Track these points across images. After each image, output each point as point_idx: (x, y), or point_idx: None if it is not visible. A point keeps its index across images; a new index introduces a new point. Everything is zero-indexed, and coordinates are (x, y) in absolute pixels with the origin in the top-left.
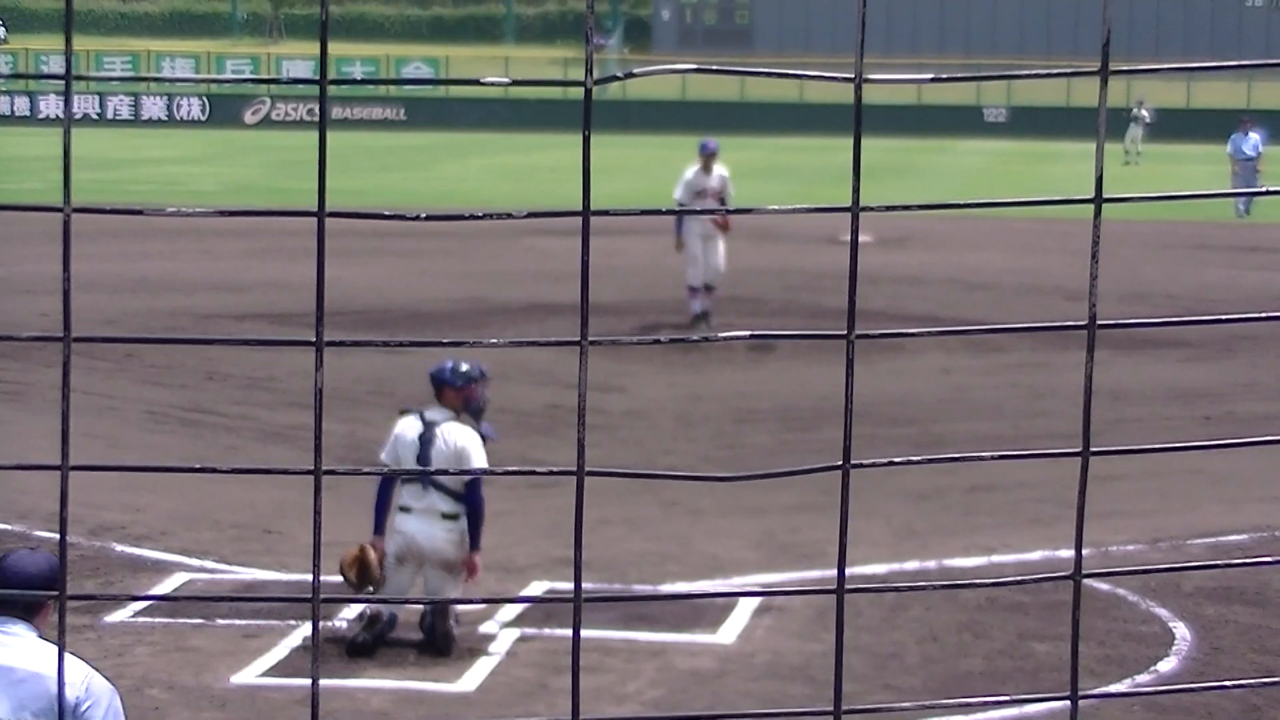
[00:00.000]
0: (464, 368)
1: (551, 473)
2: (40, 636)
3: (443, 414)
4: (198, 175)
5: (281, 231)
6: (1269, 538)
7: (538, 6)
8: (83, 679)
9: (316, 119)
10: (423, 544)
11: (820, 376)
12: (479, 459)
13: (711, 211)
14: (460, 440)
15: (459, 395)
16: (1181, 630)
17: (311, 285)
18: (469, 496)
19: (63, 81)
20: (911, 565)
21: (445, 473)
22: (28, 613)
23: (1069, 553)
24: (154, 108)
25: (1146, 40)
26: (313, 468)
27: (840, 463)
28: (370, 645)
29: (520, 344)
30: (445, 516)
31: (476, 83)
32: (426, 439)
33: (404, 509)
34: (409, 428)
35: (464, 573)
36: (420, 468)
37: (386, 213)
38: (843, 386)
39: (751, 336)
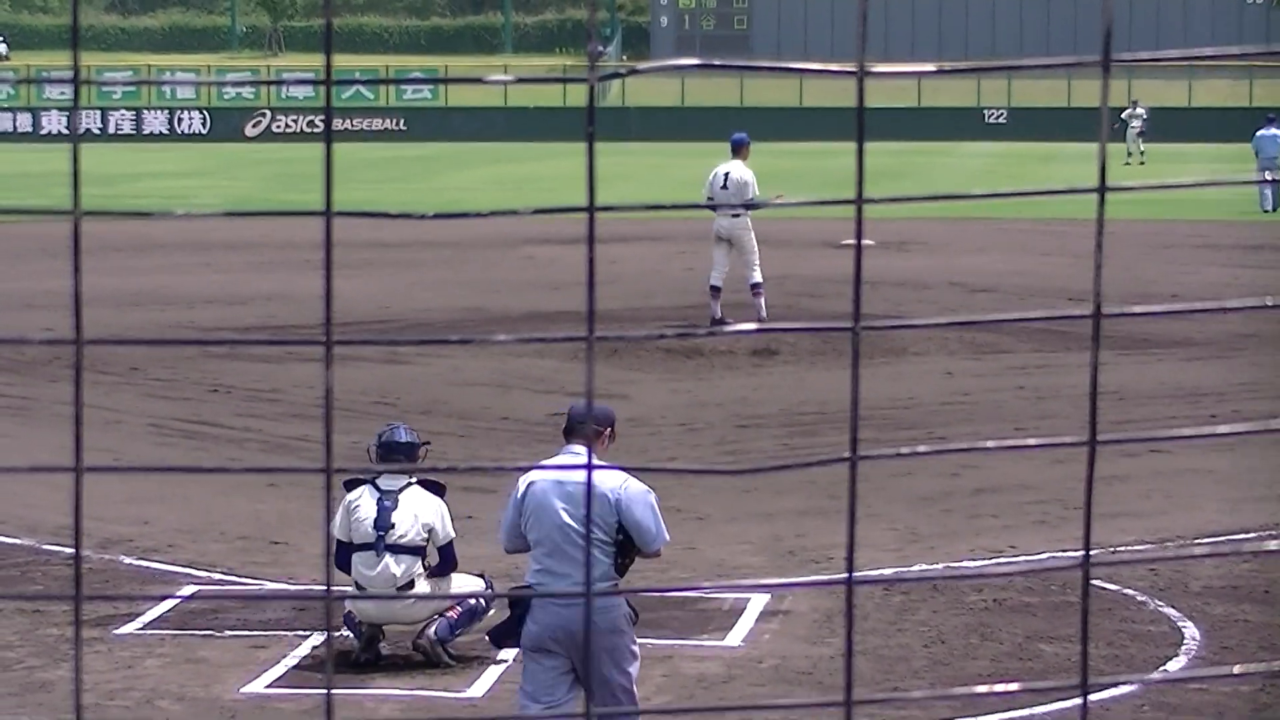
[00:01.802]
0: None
1: (561, 469)
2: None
3: (400, 480)
4: (198, 189)
5: (283, 244)
6: (1275, 535)
7: (535, 16)
8: (621, 483)
9: (316, 130)
10: (386, 619)
11: (823, 381)
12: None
13: (750, 205)
14: (432, 508)
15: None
16: (1190, 630)
17: (313, 297)
18: (446, 559)
19: (66, 99)
20: (917, 568)
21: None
22: (591, 438)
23: (1076, 554)
24: (155, 122)
25: (1146, 39)
26: (323, 467)
27: (848, 455)
28: (374, 661)
29: (528, 340)
30: (401, 589)
31: (480, 81)
32: (384, 507)
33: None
34: (365, 503)
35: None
36: (376, 537)
37: (394, 212)
38: (845, 391)
39: (759, 330)
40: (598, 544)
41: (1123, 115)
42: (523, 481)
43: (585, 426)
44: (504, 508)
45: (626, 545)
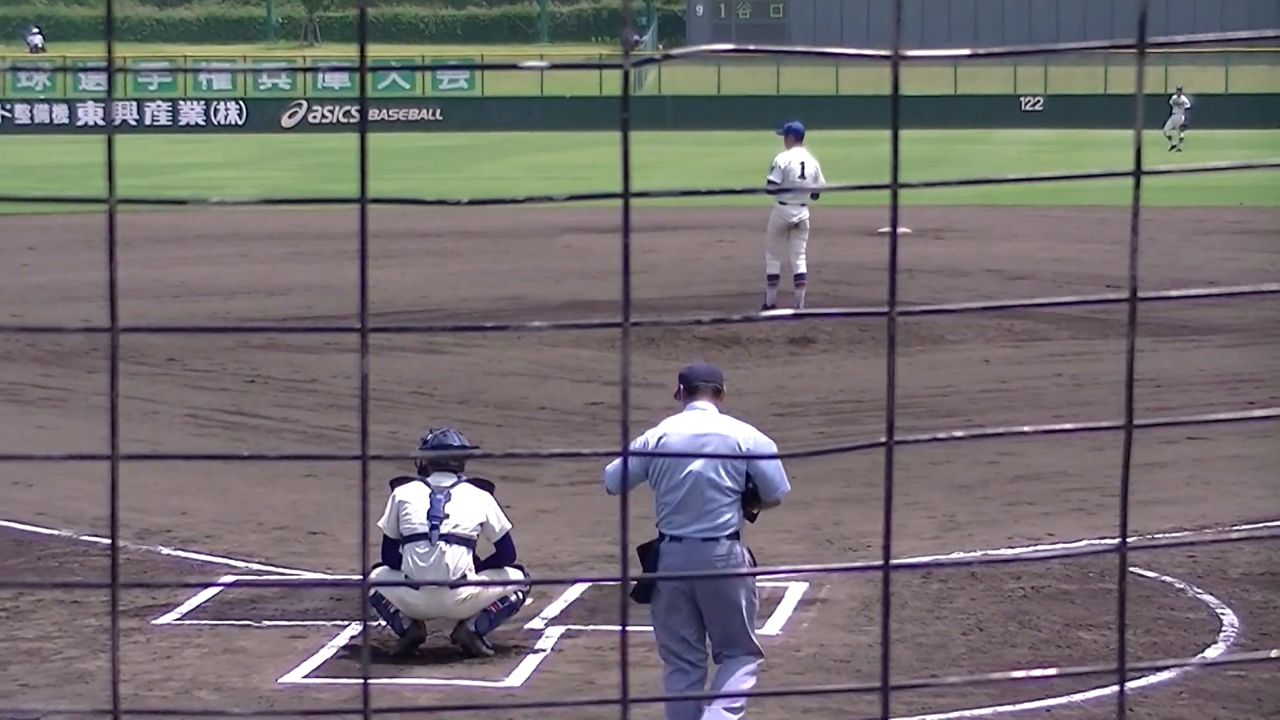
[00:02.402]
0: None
1: (597, 455)
2: (719, 410)
3: (450, 478)
4: (236, 180)
5: (320, 235)
6: None
7: (571, 5)
8: (750, 435)
9: (353, 121)
10: (437, 613)
11: (860, 370)
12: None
13: (766, 190)
14: (483, 502)
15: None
16: (1229, 616)
17: (351, 288)
18: (505, 551)
19: (101, 90)
20: (955, 556)
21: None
22: (714, 395)
23: (1115, 540)
24: (192, 113)
25: (1183, 25)
26: (359, 454)
27: (884, 440)
28: (409, 654)
29: (563, 327)
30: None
31: (515, 67)
32: (436, 500)
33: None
34: (416, 497)
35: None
36: (430, 526)
37: (429, 199)
38: (883, 379)
39: (795, 316)
40: (729, 493)
41: (1170, 102)
42: (652, 434)
43: (709, 385)
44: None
45: (751, 496)
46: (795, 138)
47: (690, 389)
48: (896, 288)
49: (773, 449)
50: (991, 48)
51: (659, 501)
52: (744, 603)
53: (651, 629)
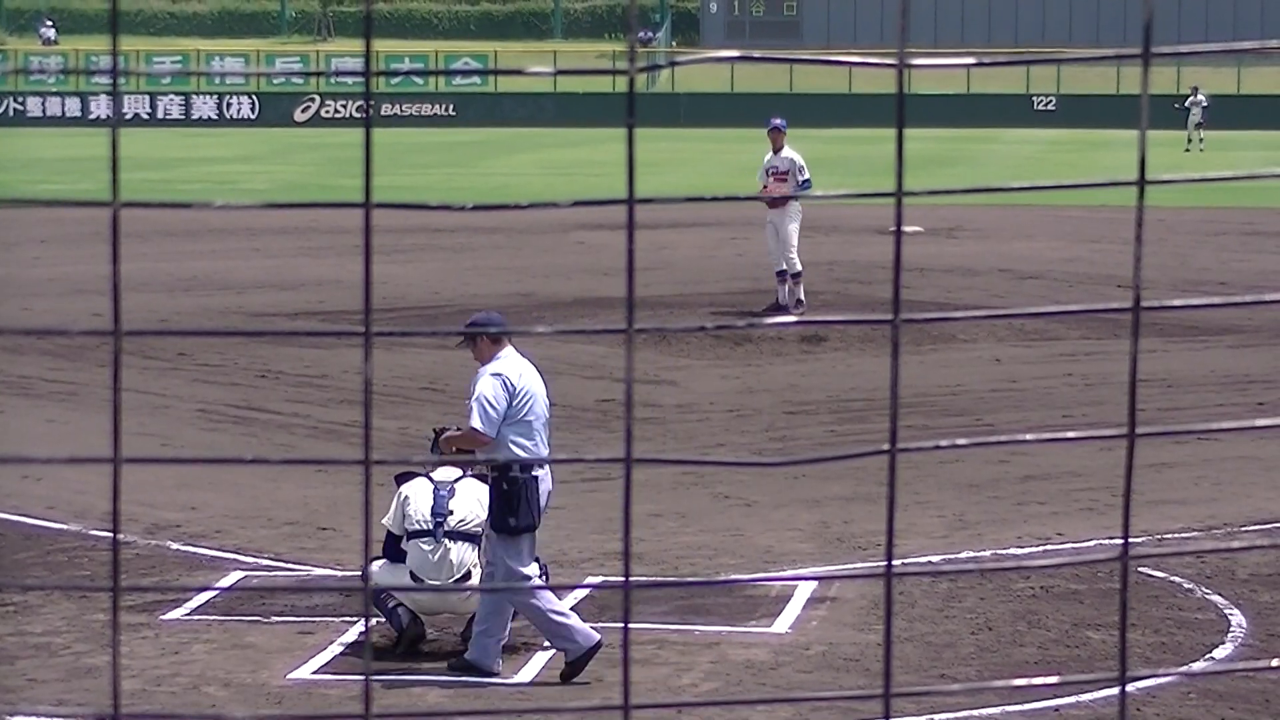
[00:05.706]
0: None
1: (599, 461)
2: None
3: (455, 471)
4: (249, 174)
5: (334, 229)
6: None
7: (585, 1)
8: None
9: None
10: (441, 609)
11: (872, 368)
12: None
13: (755, 198)
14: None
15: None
16: (1237, 617)
17: (362, 283)
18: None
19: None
20: (965, 555)
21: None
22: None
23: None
24: (205, 107)
25: (1196, 27)
26: (362, 459)
27: (886, 448)
28: (417, 651)
29: (566, 333)
30: (459, 578)
31: (520, 73)
32: (440, 496)
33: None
34: (420, 493)
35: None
36: (434, 523)
37: (433, 203)
38: None
39: (798, 323)
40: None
41: (1187, 103)
42: (510, 375)
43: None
44: (489, 405)
45: None
46: (782, 134)
47: (496, 337)
48: (900, 295)
49: None
50: (1005, 46)
51: (528, 433)
52: None
53: (662, 626)
